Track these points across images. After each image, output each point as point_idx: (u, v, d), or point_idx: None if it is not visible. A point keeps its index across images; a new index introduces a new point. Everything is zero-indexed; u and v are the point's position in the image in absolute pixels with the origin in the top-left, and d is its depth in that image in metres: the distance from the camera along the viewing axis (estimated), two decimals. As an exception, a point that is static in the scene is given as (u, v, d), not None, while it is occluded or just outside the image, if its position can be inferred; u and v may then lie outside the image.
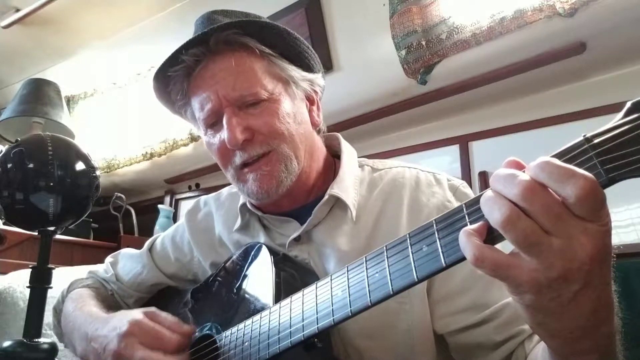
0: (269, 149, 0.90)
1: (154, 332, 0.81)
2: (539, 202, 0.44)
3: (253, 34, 0.92)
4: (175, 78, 0.94)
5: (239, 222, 1.03)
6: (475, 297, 0.83)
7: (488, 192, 0.48)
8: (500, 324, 0.80)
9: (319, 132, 1.04)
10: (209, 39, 0.89)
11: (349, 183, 0.96)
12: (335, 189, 0.93)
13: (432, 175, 0.96)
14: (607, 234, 0.45)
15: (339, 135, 1.08)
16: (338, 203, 0.94)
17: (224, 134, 0.90)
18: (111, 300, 1.15)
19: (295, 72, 0.96)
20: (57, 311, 1.14)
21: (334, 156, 1.06)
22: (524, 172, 0.47)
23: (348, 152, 1.03)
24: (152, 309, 0.88)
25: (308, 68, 0.99)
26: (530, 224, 0.44)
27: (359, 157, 1.06)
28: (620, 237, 1.51)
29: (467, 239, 0.48)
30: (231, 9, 1.00)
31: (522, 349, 0.78)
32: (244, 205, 1.02)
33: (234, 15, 0.98)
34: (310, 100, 1.01)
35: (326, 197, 0.93)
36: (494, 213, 0.46)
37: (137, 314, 0.85)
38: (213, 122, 0.93)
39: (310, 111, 1.00)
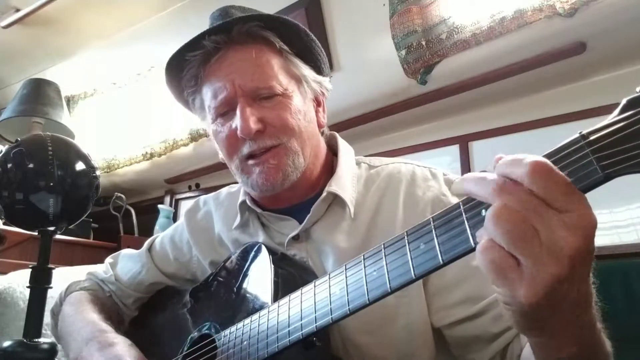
0: (278, 143, 0.91)
1: None
2: (515, 196, 0.44)
3: (274, 29, 0.94)
4: (192, 63, 0.95)
5: (238, 219, 1.03)
6: (471, 289, 0.83)
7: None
8: (497, 316, 0.80)
9: (322, 133, 1.05)
10: (231, 29, 0.91)
11: (347, 180, 0.97)
12: (333, 186, 0.94)
13: (428, 170, 0.97)
14: (587, 229, 0.44)
15: (336, 133, 1.09)
16: (336, 200, 0.95)
17: (235, 123, 0.90)
18: (109, 302, 1.15)
19: (308, 72, 0.99)
20: (55, 313, 1.14)
21: (333, 154, 1.06)
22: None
23: (345, 150, 1.04)
24: None
25: (319, 71, 1.01)
26: (517, 215, 0.44)
27: (356, 157, 1.06)
28: (620, 237, 1.51)
29: (490, 247, 0.47)
30: (248, 7, 1.01)
31: (518, 341, 0.78)
32: (243, 202, 1.02)
33: (250, 12, 0.99)
34: (318, 102, 1.03)
35: (324, 194, 0.93)
36: (486, 215, 0.46)
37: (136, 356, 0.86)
38: (224, 111, 0.94)
39: (316, 112, 1.02)
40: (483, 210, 0.49)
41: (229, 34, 0.92)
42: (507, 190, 0.45)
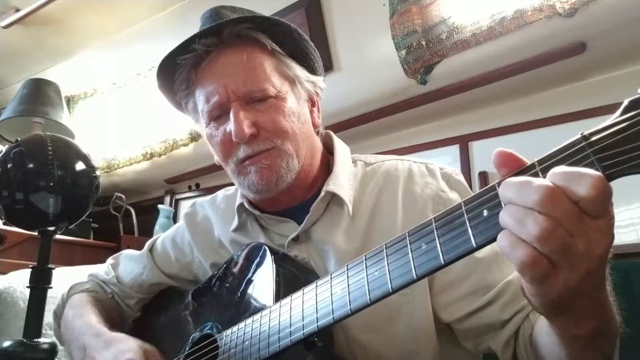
0: (272, 146, 0.91)
1: None
2: (561, 206, 0.44)
3: (265, 30, 0.93)
4: (183, 66, 0.94)
5: (235, 222, 1.03)
6: (477, 281, 0.84)
7: (508, 207, 0.46)
8: (505, 302, 0.81)
9: (317, 133, 1.05)
10: (222, 31, 0.90)
11: (344, 179, 0.96)
12: (330, 185, 0.93)
13: (424, 166, 0.97)
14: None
15: (331, 132, 1.08)
16: (334, 199, 0.95)
17: (229, 127, 0.90)
18: (111, 303, 1.14)
19: (301, 72, 0.98)
20: (58, 315, 1.14)
21: (329, 154, 1.06)
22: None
23: (341, 149, 1.04)
24: (151, 349, 0.86)
25: (312, 70, 1.01)
26: (564, 231, 0.44)
27: (352, 155, 1.06)
28: (620, 237, 1.51)
29: (521, 243, 0.46)
30: (239, 7, 1.00)
31: (528, 321, 0.79)
32: (240, 205, 1.02)
33: (241, 12, 0.98)
34: (312, 102, 1.02)
35: (322, 193, 0.93)
36: (528, 226, 0.45)
37: (136, 349, 0.84)
38: (217, 115, 0.93)
39: (311, 112, 1.01)
40: (485, 211, 0.49)
41: (219, 37, 0.90)
42: (558, 199, 0.44)
